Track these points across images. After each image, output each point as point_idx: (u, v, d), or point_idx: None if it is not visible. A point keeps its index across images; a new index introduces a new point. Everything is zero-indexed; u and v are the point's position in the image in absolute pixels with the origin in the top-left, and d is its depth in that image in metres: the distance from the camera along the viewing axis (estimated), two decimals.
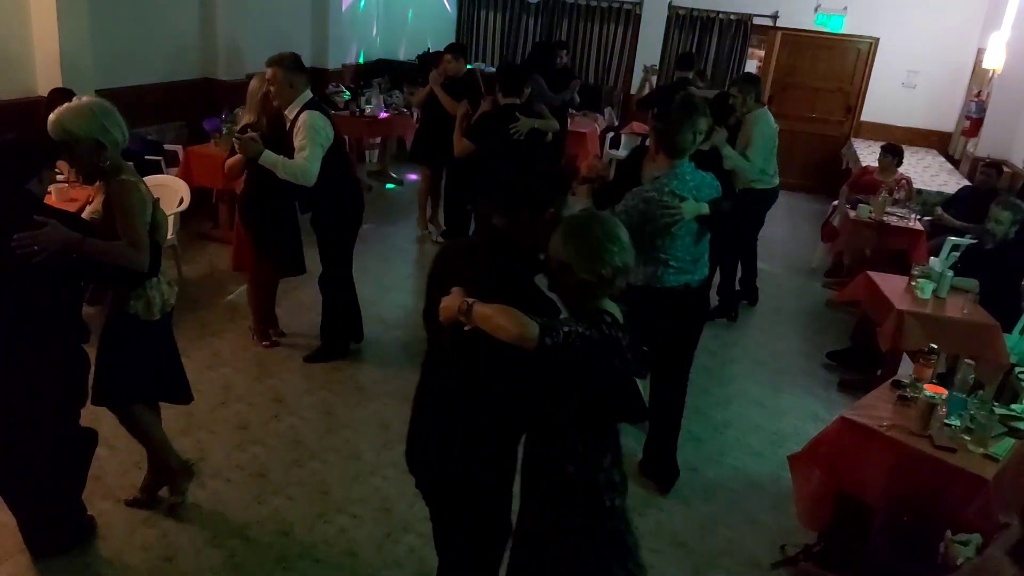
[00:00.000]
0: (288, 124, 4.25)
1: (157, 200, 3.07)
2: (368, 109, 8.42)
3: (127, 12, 6.57)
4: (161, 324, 3.12)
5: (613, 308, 2.13)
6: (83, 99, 2.92)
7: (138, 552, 3.12)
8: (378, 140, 9.34)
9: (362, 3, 10.04)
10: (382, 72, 9.89)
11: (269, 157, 4.11)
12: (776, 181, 5.98)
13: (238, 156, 4.23)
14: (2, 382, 2.74)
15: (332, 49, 9.32)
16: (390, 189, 8.88)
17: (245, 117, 4.53)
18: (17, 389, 2.75)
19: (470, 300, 2.05)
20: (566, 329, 2.00)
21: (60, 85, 5.56)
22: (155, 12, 6.90)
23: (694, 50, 10.65)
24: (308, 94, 4.26)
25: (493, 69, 9.22)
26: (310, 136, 4.12)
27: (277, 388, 4.42)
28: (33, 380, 2.76)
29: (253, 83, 4.43)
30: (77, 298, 3.00)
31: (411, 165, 8.31)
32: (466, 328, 2.05)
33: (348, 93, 8.75)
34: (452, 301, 2.09)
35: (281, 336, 4.98)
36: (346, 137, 8.63)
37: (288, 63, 4.18)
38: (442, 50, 7.06)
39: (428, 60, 7.21)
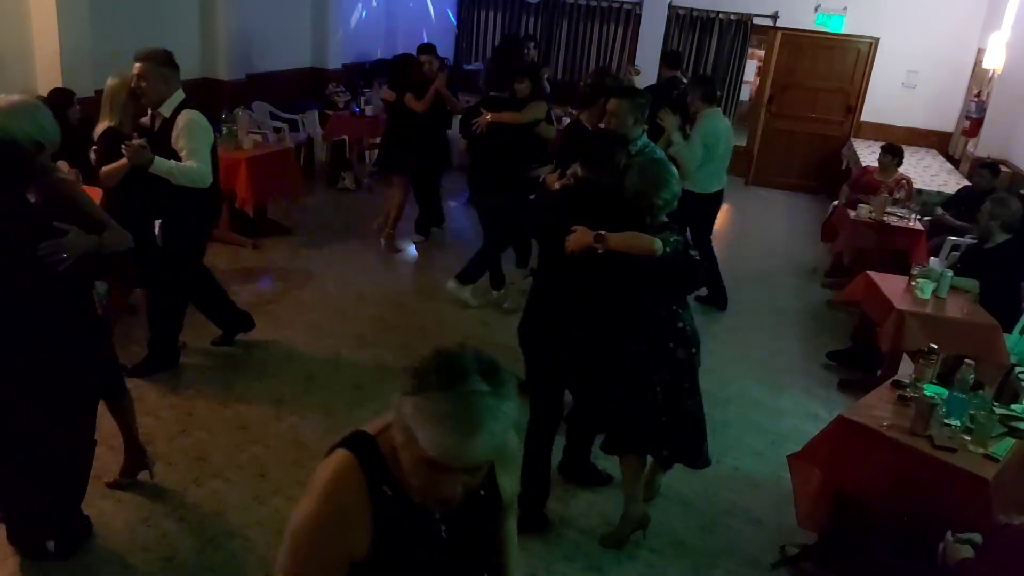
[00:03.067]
0: (158, 124, 3.98)
1: None
2: (368, 109, 8.42)
3: (127, 12, 6.58)
4: None
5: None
6: (13, 98, 2.79)
7: (138, 552, 3.12)
8: (378, 140, 9.33)
9: (362, 3, 10.05)
10: (382, 72, 9.90)
11: (161, 164, 3.83)
12: (713, 188, 5.83)
13: (120, 163, 3.84)
14: (11, 386, 2.71)
15: (332, 49, 9.34)
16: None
17: (101, 122, 4.05)
18: (26, 393, 2.72)
19: (602, 232, 2.97)
20: (672, 239, 2.99)
21: (60, 85, 5.57)
22: (155, 12, 6.92)
23: (694, 50, 10.67)
24: (181, 94, 3.98)
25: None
26: (198, 136, 3.92)
27: (277, 388, 4.42)
28: (42, 385, 2.74)
29: (112, 83, 4.05)
30: (89, 301, 2.96)
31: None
32: (600, 252, 2.97)
33: (348, 93, 8.77)
34: (583, 236, 3.00)
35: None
36: (346, 137, 8.74)
37: (160, 58, 3.90)
38: (415, 52, 6.72)
39: (405, 62, 6.81)
